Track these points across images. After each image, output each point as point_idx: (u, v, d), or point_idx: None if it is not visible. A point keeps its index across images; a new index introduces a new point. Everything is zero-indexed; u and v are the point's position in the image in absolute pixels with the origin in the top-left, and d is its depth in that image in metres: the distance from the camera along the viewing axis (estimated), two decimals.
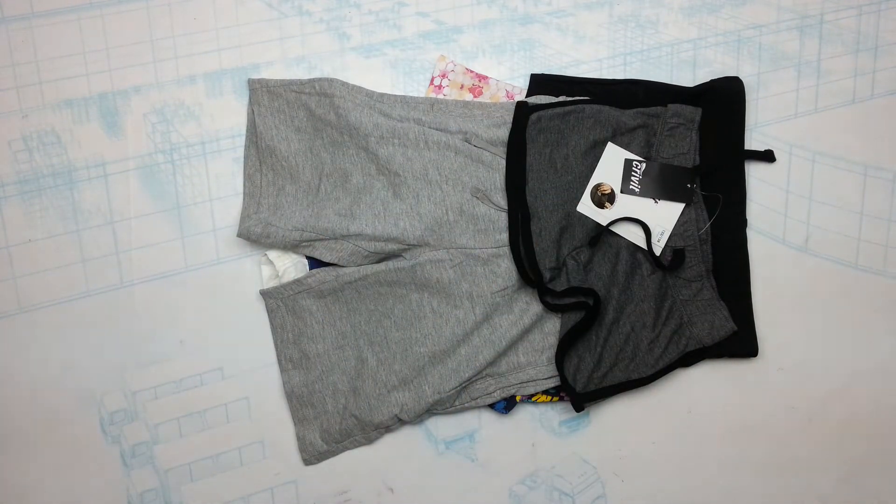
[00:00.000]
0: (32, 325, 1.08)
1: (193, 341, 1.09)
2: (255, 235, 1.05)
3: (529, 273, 1.03)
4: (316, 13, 1.12)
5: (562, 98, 1.07)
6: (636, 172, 1.07)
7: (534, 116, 1.06)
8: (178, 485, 1.08)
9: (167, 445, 1.08)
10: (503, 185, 1.05)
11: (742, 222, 1.09)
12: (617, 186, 1.07)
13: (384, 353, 1.06)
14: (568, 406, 1.07)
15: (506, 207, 1.05)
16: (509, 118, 1.06)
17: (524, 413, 1.10)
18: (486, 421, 1.10)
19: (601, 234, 1.06)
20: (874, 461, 1.11)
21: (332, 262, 1.06)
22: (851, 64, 1.13)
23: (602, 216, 1.07)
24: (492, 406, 1.09)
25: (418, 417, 1.07)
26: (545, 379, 1.06)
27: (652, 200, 1.07)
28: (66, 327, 1.08)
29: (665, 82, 1.10)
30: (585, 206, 1.07)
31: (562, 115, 1.06)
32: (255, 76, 1.09)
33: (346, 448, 1.08)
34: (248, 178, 1.09)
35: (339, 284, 1.06)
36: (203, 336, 1.09)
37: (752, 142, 1.12)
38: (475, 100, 1.09)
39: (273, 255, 1.07)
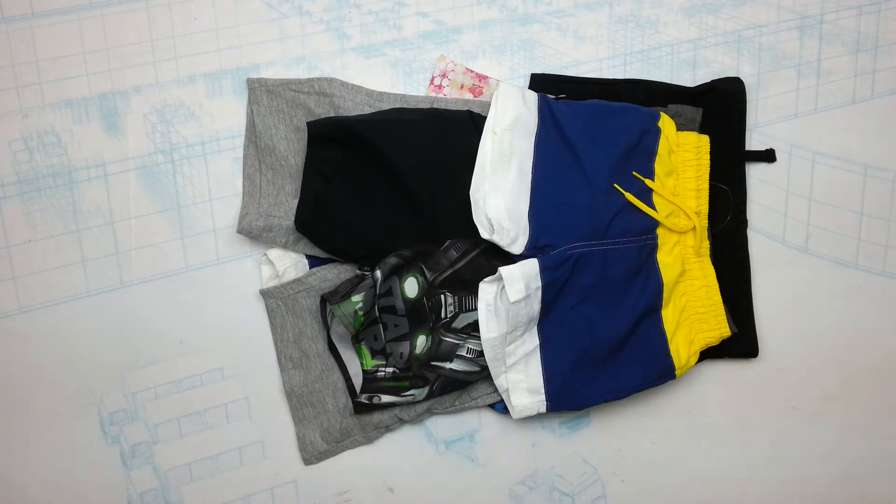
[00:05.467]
0: (32, 325, 1.08)
1: (193, 341, 1.09)
2: (256, 230, 1.05)
3: None
4: (316, 13, 1.12)
5: (562, 96, 1.08)
6: None
7: None
8: (178, 485, 1.08)
9: (167, 445, 1.09)
10: None
11: (742, 222, 1.10)
12: None
13: None
14: None
15: None
16: None
17: None
18: (486, 421, 1.10)
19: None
20: (874, 461, 1.11)
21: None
22: (851, 64, 1.13)
23: None
24: (492, 406, 1.09)
25: (418, 417, 1.07)
26: None
27: None
28: (66, 327, 1.08)
29: (665, 82, 1.10)
30: None
31: None
32: (255, 76, 1.09)
33: (346, 448, 1.08)
34: (247, 177, 1.09)
35: (339, 283, 1.06)
36: (203, 336, 1.09)
37: (752, 142, 1.12)
38: (475, 99, 1.09)
39: (273, 254, 1.07)
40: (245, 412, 1.09)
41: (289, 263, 1.07)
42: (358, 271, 1.04)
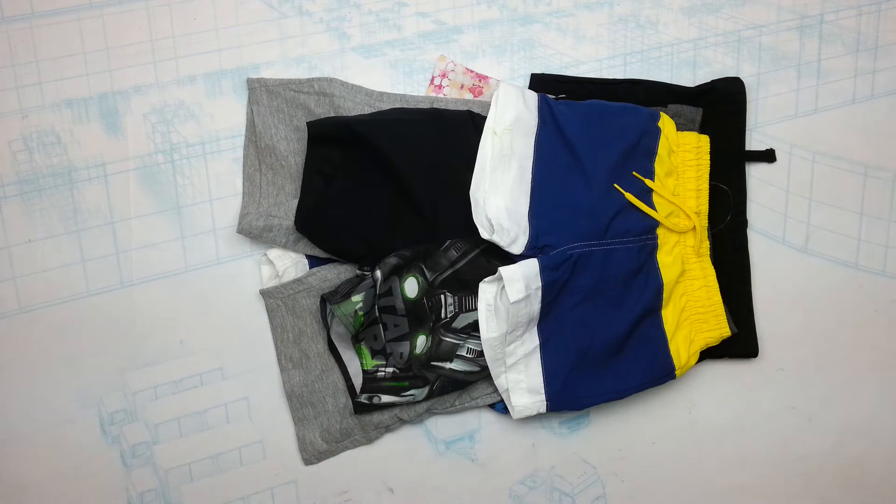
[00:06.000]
0: (32, 325, 1.08)
1: (193, 341, 1.09)
2: (256, 230, 1.05)
3: None
4: (316, 13, 1.12)
5: (562, 96, 1.08)
6: None
7: None
8: (178, 485, 1.08)
9: (167, 445, 1.09)
10: None
11: (742, 222, 1.10)
12: None
13: None
14: None
15: None
16: None
17: None
18: (486, 421, 1.10)
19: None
20: (874, 461, 1.11)
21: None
22: (851, 64, 1.13)
23: None
24: (492, 406, 1.09)
25: (418, 417, 1.07)
26: None
27: None
28: (66, 327, 1.08)
29: (665, 82, 1.10)
30: None
31: None
32: (255, 76, 1.09)
33: (346, 448, 1.08)
34: (247, 177, 1.09)
35: (339, 283, 1.06)
36: (203, 336, 1.09)
37: (752, 142, 1.12)
38: (475, 99, 1.09)
39: (273, 254, 1.07)
40: (245, 412, 1.09)
41: (289, 263, 1.07)
42: (358, 271, 1.04)
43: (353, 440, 1.08)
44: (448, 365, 1.03)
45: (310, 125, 1.03)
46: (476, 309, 1.02)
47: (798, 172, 1.12)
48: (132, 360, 1.09)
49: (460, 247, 1.03)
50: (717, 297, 1.04)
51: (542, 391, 1.02)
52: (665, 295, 1.03)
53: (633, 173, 1.02)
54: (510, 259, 1.01)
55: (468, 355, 1.03)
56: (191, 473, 1.08)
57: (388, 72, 1.11)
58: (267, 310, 1.08)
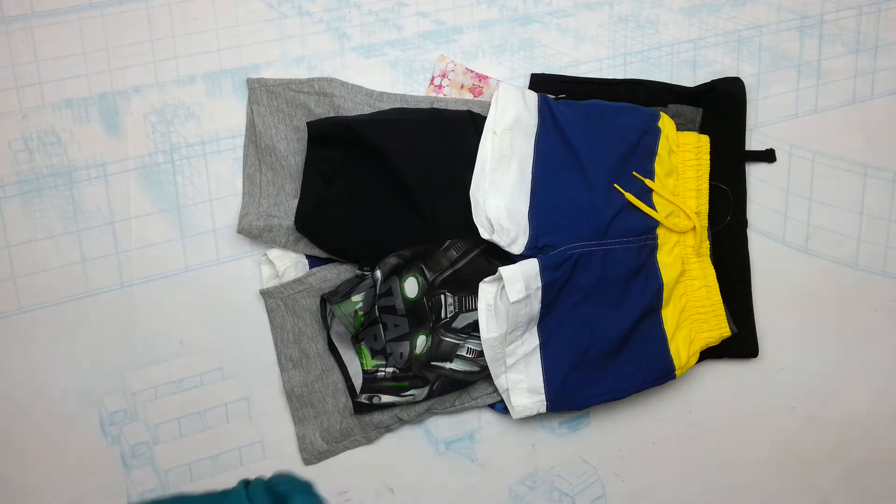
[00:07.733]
0: (32, 325, 1.08)
1: (193, 341, 1.09)
2: (256, 230, 1.05)
3: None
4: (316, 13, 1.12)
5: (562, 96, 1.08)
6: None
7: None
8: (178, 485, 1.08)
9: (167, 445, 1.09)
10: None
11: (742, 222, 1.10)
12: None
13: None
14: None
15: None
16: None
17: None
18: (486, 421, 1.10)
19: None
20: (874, 461, 1.11)
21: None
22: (851, 64, 1.13)
23: None
24: (492, 406, 1.09)
25: (418, 417, 1.07)
26: None
27: None
28: (66, 327, 1.08)
29: (665, 82, 1.10)
30: None
31: None
32: (255, 76, 1.09)
33: (346, 448, 1.08)
34: (247, 177, 1.09)
35: (339, 283, 1.06)
36: (203, 336, 1.09)
37: (752, 142, 1.12)
38: (475, 99, 1.09)
39: (273, 254, 1.07)
40: (245, 412, 1.09)
41: (289, 263, 1.07)
42: (358, 271, 1.04)
43: (353, 440, 1.08)
44: (448, 365, 1.03)
45: (310, 125, 1.03)
46: (476, 309, 1.02)
47: (798, 172, 1.12)
48: (132, 360, 1.09)
49: (460, 247, 1.03)
50: (717, 297, 1.04)
51: (542, 391, 1.02)
52: (665, 295, 1.03)
53: (633, 173, 1.02)
54: (510, 259, 1.01)
55: (468, 355, 1.03)
56: (191, 473, 1.09)
57: (388, 72, 1.11)
58: (267, 310, 1.08)
